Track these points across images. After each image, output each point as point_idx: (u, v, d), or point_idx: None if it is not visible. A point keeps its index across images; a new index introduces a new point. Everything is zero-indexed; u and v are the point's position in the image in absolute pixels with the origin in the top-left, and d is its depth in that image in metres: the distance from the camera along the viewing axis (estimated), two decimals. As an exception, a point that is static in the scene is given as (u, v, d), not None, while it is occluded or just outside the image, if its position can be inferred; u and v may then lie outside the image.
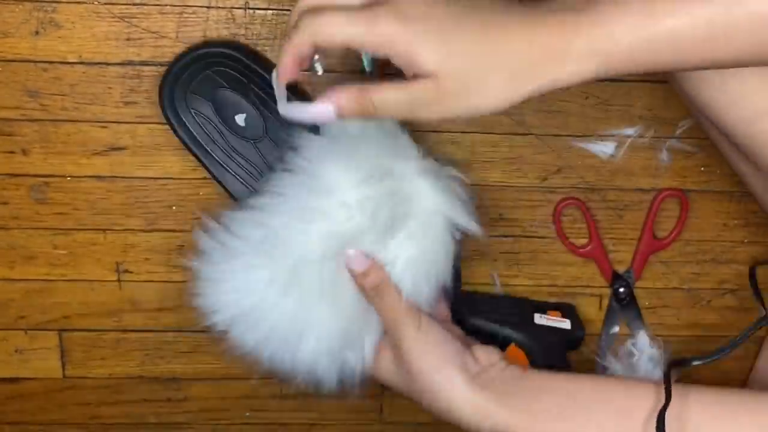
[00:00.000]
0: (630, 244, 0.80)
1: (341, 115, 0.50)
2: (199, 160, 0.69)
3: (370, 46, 0.47)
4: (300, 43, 0.50)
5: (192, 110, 0.65)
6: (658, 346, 0.82)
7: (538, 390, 0.59)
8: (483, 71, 0.47)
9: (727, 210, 0.79)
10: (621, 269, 0.81)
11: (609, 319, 0.82)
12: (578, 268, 0.80)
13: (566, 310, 0.78)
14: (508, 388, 0.59)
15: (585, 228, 0.79)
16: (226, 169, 0.67)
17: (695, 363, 0.61)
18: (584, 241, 0.80)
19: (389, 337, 0.62)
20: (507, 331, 0.76)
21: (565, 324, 0.77)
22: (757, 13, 0.46)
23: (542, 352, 0.75)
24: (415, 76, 0.47)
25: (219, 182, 0.69)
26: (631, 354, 0.82)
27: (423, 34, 0.46)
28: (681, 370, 0.62)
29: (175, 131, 0.68)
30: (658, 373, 0.82)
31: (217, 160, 0.67)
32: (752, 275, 0.75)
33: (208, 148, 0.67)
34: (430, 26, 0.47)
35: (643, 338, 0.82)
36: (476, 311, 0.75)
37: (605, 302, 0.82)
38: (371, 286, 0.60)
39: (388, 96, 0.48)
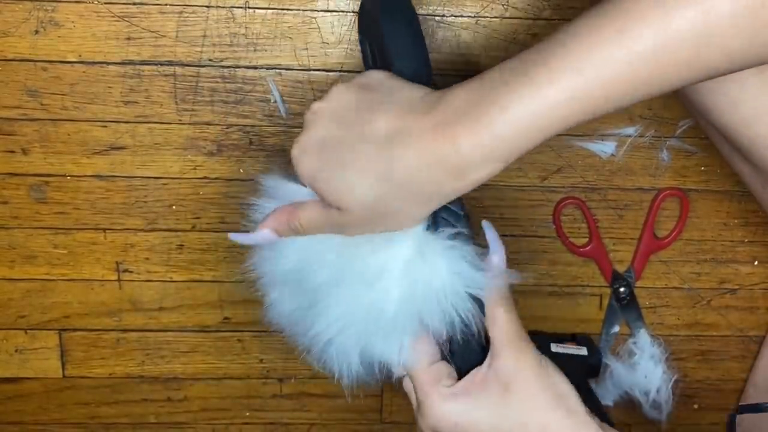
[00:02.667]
0: (630, 244, 0.80)
1: (279, 236, 0.55)
2: None
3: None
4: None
5: (366, 41, 0.63)
6: (658, 345, 0.82)
7: None
8: (390, 205, 0.49)
9: (727, 210, 0.79)
10: (621, 269, 0.81)
11: (609, 319, 0.82)
12: (578, 267, 0.80)
13: (582, 340, 0.78)
14: None
15: (585, 227, 0.79)
16: None
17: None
18: (584, 240, 0.80)
19: (504, 363, 0.52)
20: None
21: (582, 350, 0.75)
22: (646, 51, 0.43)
23: None
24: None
25: None
26: (631, 353, 0.82)
27: (328, 180, 0.50)
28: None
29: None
30: (658, 372, 0.82)
31: None
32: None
33: None
34: (334, 173, 0.50)
35: (643, 337, 0.82)
36: None
37: (605, 302, 0.82)
38: (506, 293, 0.54)
39: (312, 216, 0.53)
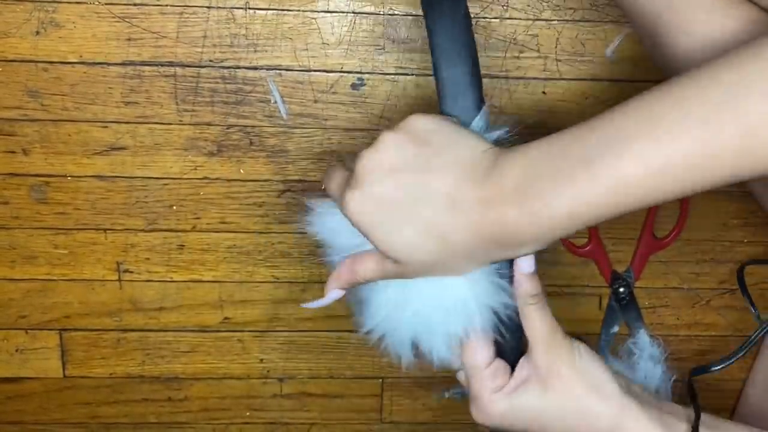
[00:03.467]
0: (630, 244, 0.80)
1: (346, 288, 0.58)
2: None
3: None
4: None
5: None
6: (658, 345, 0.82)
7: None
8: (446, 262, 0.52)
9: (727, 210, 0.80)
10: (621, 269, 0.81)
11: (609, 319, 0.82)
12: (578, 267, 0.81)
13: None
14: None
15: (585, 227, 0.79)
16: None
17: (714, 369, 0.63)
18: (584, 240, 0.80)
19: (539, 359, 0.56)
20: None
21: None
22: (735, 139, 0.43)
23: None
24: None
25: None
26: (631, 353, 0.82)
27: (387, 236, 0.51)
28: (699, 376, 0.63)
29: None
30: (658, 372, 0.82)
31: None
32: (740, 276, 0.73)
33: None
34: (392, 230, 0.51)
35: (643, 337, 0.82)
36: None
37: (605, 302, 0.82)
38: (535, 292, 0.56)
39: (370, 268, 0.55)
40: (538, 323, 0.56)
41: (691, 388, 0.60)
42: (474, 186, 0.49)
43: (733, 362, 0.63)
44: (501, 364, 0.58)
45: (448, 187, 0.49)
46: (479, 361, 0.57)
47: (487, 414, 0.58)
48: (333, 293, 0.58)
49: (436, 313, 0.56)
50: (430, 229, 0.50)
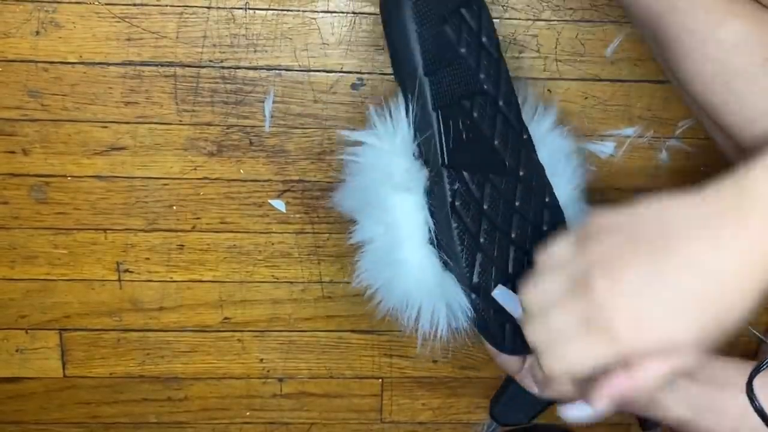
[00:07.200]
0: (629, 244, 0.80)
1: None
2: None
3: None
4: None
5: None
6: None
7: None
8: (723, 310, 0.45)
9: (727, 210, 0.79)
10: (620, 269, 0.81)
11: (609, 319, 0.82)
12: (578, 267, 0.80)
13: None
14: None
15: None
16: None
17: None
18: (584, 241, 0.80)
19: None
20: None
21: None
22: None
23: None
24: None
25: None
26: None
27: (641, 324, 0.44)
28: None
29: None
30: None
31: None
32: (750, 391, 0.70)
33: None
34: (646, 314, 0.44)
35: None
36: None
37: (605, 302, 0.82)
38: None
39: (655, 372, 0.46)
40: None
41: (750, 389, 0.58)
42: (726, 221, 0.45)
43: None
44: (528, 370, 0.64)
45: (688, 225, 0.45)
46: (511, 370, 0.65)
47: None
48: (601, 408, 0.48)
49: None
50: (693, 291, 0.44)
